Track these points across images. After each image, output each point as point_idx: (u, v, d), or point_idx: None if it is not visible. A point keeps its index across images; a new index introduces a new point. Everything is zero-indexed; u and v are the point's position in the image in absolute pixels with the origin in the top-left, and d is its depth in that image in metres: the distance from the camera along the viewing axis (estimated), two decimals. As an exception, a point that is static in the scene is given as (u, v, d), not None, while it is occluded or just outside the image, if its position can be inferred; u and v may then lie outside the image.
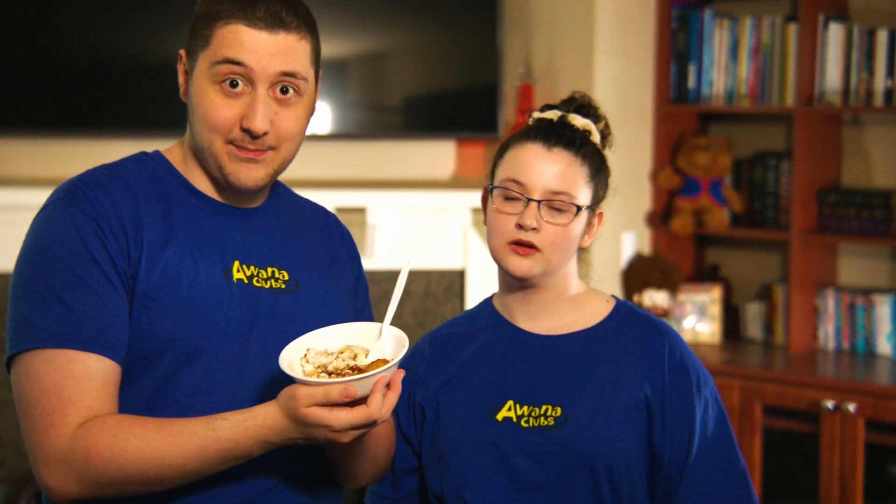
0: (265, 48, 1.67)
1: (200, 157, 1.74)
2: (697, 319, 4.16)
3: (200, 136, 1.71)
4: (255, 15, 1.67)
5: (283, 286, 1.77)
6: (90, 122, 3.83)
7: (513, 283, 1.90)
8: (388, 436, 1.88)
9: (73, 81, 3.80)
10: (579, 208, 1.85)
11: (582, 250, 1.93)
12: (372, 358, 1.64)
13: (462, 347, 1.93)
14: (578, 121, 1.90)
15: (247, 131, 1.68)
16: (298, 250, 1.82)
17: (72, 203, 1.67)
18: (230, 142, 1.69)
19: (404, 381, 1.69)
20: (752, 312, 4.16)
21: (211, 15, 1.69)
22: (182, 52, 1.74)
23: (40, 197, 1.81)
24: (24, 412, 1.63)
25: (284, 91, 1.70)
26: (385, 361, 1.62)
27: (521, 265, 1.83)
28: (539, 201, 1.83)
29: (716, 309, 4.15)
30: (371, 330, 1.71)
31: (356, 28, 3.91)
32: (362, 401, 1.59)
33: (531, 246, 1.83)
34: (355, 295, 1.90)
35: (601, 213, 1.92)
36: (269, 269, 1.77)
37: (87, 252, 1.64)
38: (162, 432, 1.61)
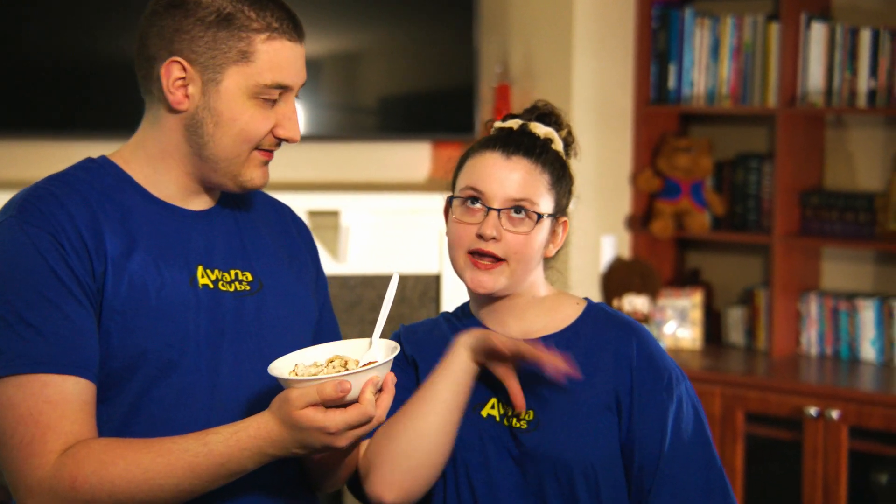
0: (299, 61, 1.72)
1: (199, 166, 1.71)
2: (678, 325, 4.14)
3: (226, 148, 1.70)
4: (288, 26, 1.70)
5: (248, 288, 1.76)
6: (62, 124, 3.78)
7: (479, 296, 1.89)
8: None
9: (47, 83, 3.75)
10: (540, 216, 1.84)
11: (548, 259, 1.92)
12: (363, 364, 1.64)
13: (441, 346, 1.90)
14: (540, 129, 1.90)
15: (283, 140, 1.72)
16: (259, 248, 1.80)
17: (26, 220, 1.62)
18: (257, 148, 1.71)
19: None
20: (734, 317, 4.15)
21: (238, 24, 1.67)
22: (181, 61, 1.67)
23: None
24: (2, 441, 1.59)
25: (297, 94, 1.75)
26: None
27: (482, 281, 1.83)
28: (499, 210, 1.82)
29: (697, 314, 4.13)
30: (360, 345, 1.71)
31: (330, 27, 3.88)
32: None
33: (494, 257, 1.82)
34: (317, 289, 1.89)
35: (565, 222, 1.91)
36: (233, 272, 1.75)
37: (48, 270, 1.60)
38: (151, 453, 1.58)
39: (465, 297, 1.97)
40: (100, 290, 1.63)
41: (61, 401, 1.58)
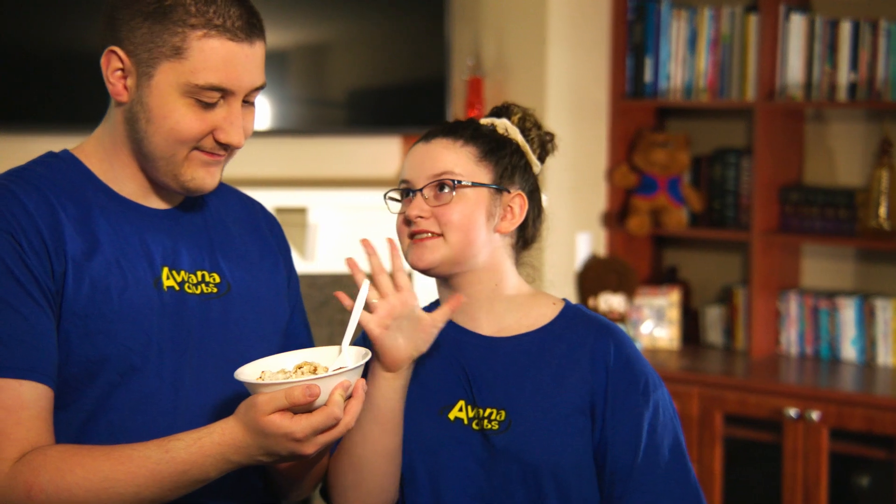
0: (245, 64, 1.63)
1: (143, 162, 1.68)
2: (655, 324, 4.11)
3: (159, 146, 1.64)
4: (234, 24, 1.61)
5: (215, 290, 1.73)
6: (27, 116, 3.70)
7: (438, 279, 1.88)
8: None
9: (14, 74, 3.67)
10: (458, 182, 1.82)
11: (523, 247, 1.91)
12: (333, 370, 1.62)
13: None
14: (485, 120, 1.92)
15: (223, 145, 1.65)
16: (227, 249, 1.77)
17: None
18: (195, 148, 1.65)
19: None
20: (712, 317, 4.13)
21: (175, 18, 1.59)
22: (117, 50, 1.63)
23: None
24: None
25: (250, 98, 1.68)
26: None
27: (422, 256, 1.81)
28: (421, 189, 1.82)
29: (674, 313, 4.11)
30: (330, 352, 1.68)
31: (297, 18, 3.83)
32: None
33: (431, 234, 1.82)
34: (289, 289, 1.86)
35: (520, 195, 1.88)
36: (199, 273, 1.72)
37: (6, 270, 1.57)
38: (111, 460, 1.55)
39: (435, 296, 1.94)
40: (59, 292, 1.60)
41: (17, 406, 1.55)
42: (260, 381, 1.56)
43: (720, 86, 3.96)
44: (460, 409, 1.83)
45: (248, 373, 1.61)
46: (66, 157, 1.71)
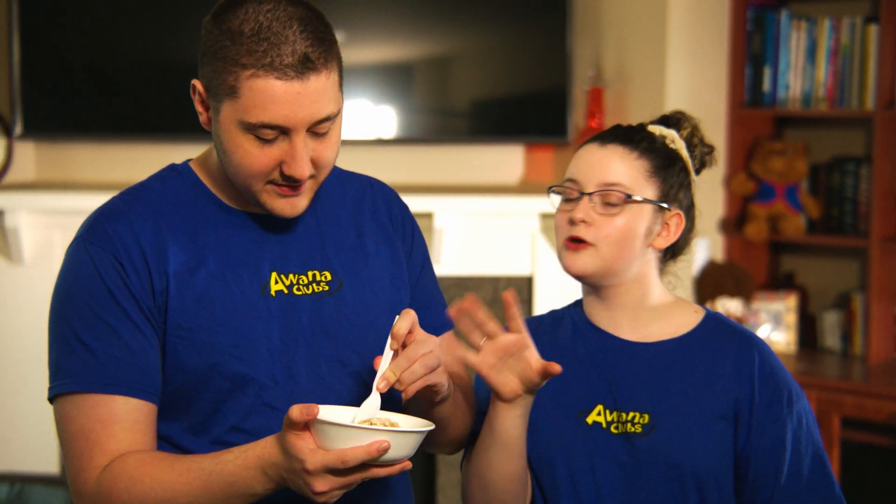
0: (298, 101, 1.58)
1: (234, 184, 1.69)
2: (772, 328, 4.10)
3: (235, 177, 1.65)
4: (283, 62, 1.56)
5: (327, 288, 1.73)
6: (156, 127, 3.86)
7: (585, 285, 1.88)
8: (467, 388, 1.84)
9: (139, 86, 3.83)
10: (629, 197, 1.82)
11: (669, 257, 1.90)
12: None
13: (547, 346, 1.88)
14: (654, 128, 1.89)
15: (289, 178, 1.62)
16: (339, 244, 1.77)
17: (91, 241, 1.66)
18: (270, 182, 1.64)
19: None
20: (830, 322, 4.10)
21: (230, 58, 1.57)
22: (197, 83, 1.64)
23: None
24: (64, 452, 1.67)
25: (319, 129, 1.63)
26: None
27: (574, 262, 1.83)
28: (590, 194, 1.82)
29: (791, 318, 4.09)
30: (408, 420, 1.62)
31: (422, 31, 3.90)
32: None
33: (586, 242, 1.82)
34: (410, 259, 1.84)
35: (679, 215, 1.87)
36: (310, 273, 1.73)
37: (107, 292, 1.63)
38: (174, 471, 1.59)
39: (558, 299, 1.97)
40: (162, 308, 1.65)
41: (110, 420, 1.62)
42: (325, 420, 1.49)
43: (839, 95, 3.94)
44: (598, 414, 1.83)
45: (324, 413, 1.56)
46: (184, 171, 1.74)
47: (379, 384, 1.58)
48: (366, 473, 1.50)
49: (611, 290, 1.86)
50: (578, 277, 1.85)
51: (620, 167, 1.83)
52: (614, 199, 1.82)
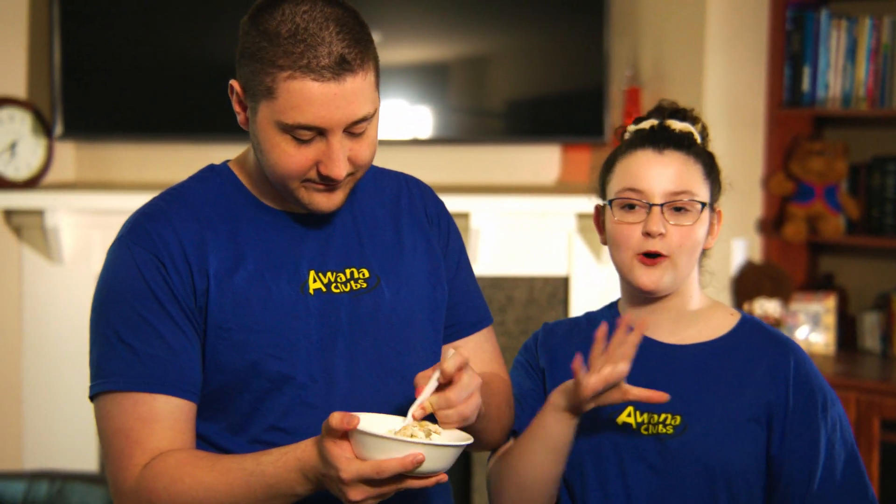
0: (335, 102, 1.59)
1: (272, 183, 1.71)
2: (811, 329, 4.09)
3: (272, 176, 1.67)
4: (319, 64, 1.57)
5: (365, 285, 1.74)
6: (196, 127, 3.90)
7: (638, 296, 1.87)
8: (504, 387, 1.85)
9: (179, 86, 3.87)
10: (703, 205, 1.83)
11: (703, 255, 1.90)
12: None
13: (582, 347, 1.88)
14: (677, 125, 1.89)
15: (326, 178, 1.63)
16: (376, 240, 1.78)
17: (134, 241, 1.67)
18: (307, 180, 1.65)
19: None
20: (870, 323, 4.08)
21: (267, 59, 1.59)
22: (235, 84, 1.66)
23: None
24: (104, 449, 1.68)
25: (356, 130, 1.64)
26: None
27: (651, 278, 1.81)
28: (661, 205, 1.81)
29: (830, 319, 4.08)
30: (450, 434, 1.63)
31: (457, 31, 3.92)
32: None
33: (660, 255, 1.81)
34: (447, 255, 1.84)
35: (720, 212, 1.89)
36: (348, 271, 1.74)
37: (149, 291, 1.65)
38: (214, 471, 1.61)
39: (594, 299, 1.97)
40: (203, 308, 1.66)
41: (150, 418, 1.63)
42: (363, 430, 1.50)
43: (879, 94, 3.92)
44: (629, 415, 1.84)
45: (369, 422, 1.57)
46: (222, 171, 1.75)
47: (415, 412, 1.59)
48: (400, 485, 1.51)
49: (664, 298, 1.86)
50: (652, 292, 1.83)
51: (685, 174, 1.83)
52: (685, 206, 1.81)
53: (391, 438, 1.50)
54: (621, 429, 1.84)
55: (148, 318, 1.64)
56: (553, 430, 1.78)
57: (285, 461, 1.56)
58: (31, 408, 3.93)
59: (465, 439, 1.57)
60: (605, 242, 1.90)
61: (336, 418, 1.48)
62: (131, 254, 1.66)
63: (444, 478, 1.53)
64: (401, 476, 1.50)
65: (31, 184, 3.89)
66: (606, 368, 1.71)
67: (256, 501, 1.58)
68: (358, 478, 1.49)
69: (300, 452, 1.56)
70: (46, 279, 3.89)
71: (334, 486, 1.52)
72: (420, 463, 1.48)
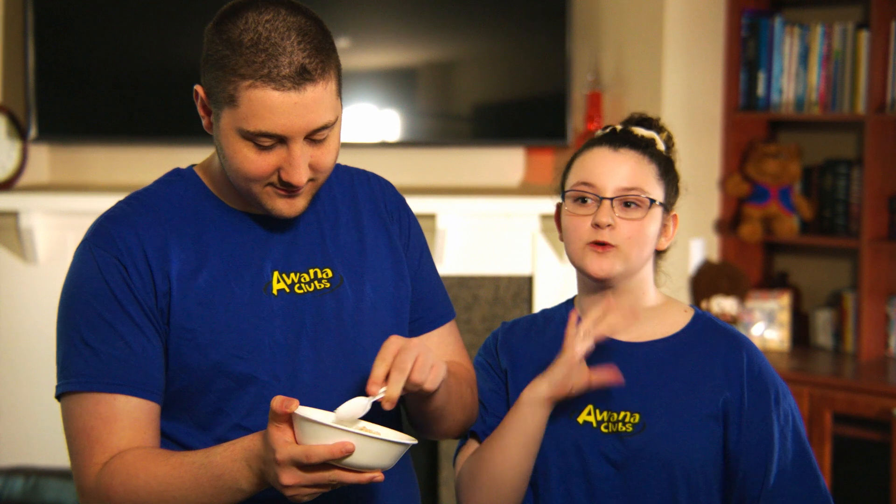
0: (295, 111, 1.59)
1: (234, 186, 1.71)
2: (766, 326, 4.14)
3: (235, 181, 1.68)
4: (280, 73, 1.57)
5: (329, 285, 1.74)
6: (167, 130, 3.90)
7: (591, 285, 1.91)
8: (467, 375, 1.87)
9: (150, 90, 3.88)
10: (652, 201, 1.85)
11: (659, 256, 1.94)
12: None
13: (539, 345, 1.94)
14: (640, 131, 1.93)
15: (287, 183, 1.64)
16: (339, 239, 1.78)
17: (96, 244, 1.68)
18: (269, 185, 1.66)
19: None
20: (822, 320, 4.14)
21: (229, 67, 1.58)
22: (199, 89, 1.66)
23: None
24: (68, 448, 1.70)
25: (317, 137, 1.64)
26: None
27: (601, 265, 1.84)
28: (612, 199, 1.84)
29: (785, 316, 4.13)
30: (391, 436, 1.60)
31: (425, 37, 3.93)
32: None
33: (610, 245, 1.84)
34: (409, 247, 1.85)
35: (675, 216, 1.93)
36: (312, 271, 1.74)
37: (110, 294, 1.66)
38: (168, 465, 1.61)
39: (557, 298, 1.99)
40: (165, 310, 1.66)
41: (110, 418, 1.64)
42: (302, 416, 1.50)
43: (831, 99, 3.98)
44: (588, 413, 1.85)
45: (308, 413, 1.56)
46: (188, 175, 1.75)
47: (370, 388, 1.58)
48: (330, 474, 1.50)
49: (616, 290, 1.89)
50: (602, 279, 1.86)
51: (637, 171, 1.86)
52: (634, 201, 1.85)
53: (327, 425, 1.49)
54: (582, 428, 1.85)
55: (109, 319, 1.65)
56: (529, 421, 1.81)
57: (232, 451, 1.57)
58: (5, 406, 3.94)
59: (407, 440, 1.54)
60: (563, 238, 1.92)
61: (276, 401, 1.49)
62: (93, 257, 1.67)
63: (379, 477, 1.51)
64: (330, 465, 1.49)
65: (6, 186, 3.89)
66: (588, 328, 1.81)
67: (204, 494, 1.59)
68: (289, 460, 1.48)
69: (247, 442, 1.56)
70: (21, 280, 3.90)
71: (271, 472, 1.51)
72: (349, 452, 1.47)
